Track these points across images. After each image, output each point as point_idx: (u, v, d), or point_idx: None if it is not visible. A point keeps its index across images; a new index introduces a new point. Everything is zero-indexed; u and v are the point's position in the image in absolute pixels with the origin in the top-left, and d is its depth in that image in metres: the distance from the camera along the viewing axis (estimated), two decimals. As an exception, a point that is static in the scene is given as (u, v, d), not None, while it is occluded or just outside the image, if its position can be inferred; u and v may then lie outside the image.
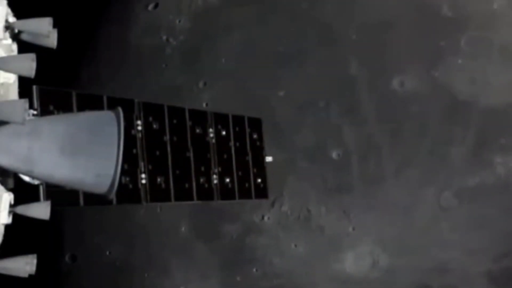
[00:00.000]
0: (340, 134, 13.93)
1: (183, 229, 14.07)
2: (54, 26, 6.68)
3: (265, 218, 13.95)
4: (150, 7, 14.98)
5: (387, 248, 13.61)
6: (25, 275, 6.33)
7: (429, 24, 14.15)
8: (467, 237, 13.48)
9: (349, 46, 14.16)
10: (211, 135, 8.43)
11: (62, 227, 13.94)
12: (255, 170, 8.94)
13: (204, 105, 14.16)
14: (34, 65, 6.18)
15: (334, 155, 13.94)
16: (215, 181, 8.29)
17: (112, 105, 7.03)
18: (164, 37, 14.83)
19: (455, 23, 14.12)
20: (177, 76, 14.50)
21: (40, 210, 6.44)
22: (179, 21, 14.81)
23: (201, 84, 14.43)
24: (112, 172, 5.46)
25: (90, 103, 7.19)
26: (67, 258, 14.07)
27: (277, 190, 13.65)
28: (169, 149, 7.77)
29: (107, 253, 14.08)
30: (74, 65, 13.94)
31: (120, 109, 5.63)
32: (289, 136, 13.86)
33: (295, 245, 13.86)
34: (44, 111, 6.71)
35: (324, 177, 13.90)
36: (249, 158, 8.96)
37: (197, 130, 8.22)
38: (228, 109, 9.20)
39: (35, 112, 6.66)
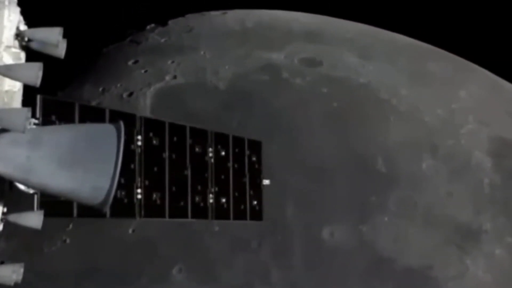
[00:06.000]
0: (268, 276, 14.16)
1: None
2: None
3: None
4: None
5: None
6: (11, 283, 6.28)
7: (364, 177, 15.31)
8: None
9: (286, 188, 14.60)
10: (210, 154, 8.37)
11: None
12: (251, 192, 8.86)
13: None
14: (40, 74, 6.14)
15: (260, 296, 14.02)
16: (211, 201, 8.22)
17: (113, 119, 7.00)
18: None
19: (387, 179, 15.36)
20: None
21: (33, 219, 6.41)
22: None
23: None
24: (108, 185, 5.40)
25: (92, 115, 7.16)
26: None
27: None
28: (167, 166, 7.71)
29: None
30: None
31: (121, 123, 5.59)
32: (218, 272, 14.04)
33: None
34: (46, 121, 6.68)
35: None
36: (247, 180, 8.89)
37: (197, 149, 8.17)
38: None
39: (36, 122, 6.59)
